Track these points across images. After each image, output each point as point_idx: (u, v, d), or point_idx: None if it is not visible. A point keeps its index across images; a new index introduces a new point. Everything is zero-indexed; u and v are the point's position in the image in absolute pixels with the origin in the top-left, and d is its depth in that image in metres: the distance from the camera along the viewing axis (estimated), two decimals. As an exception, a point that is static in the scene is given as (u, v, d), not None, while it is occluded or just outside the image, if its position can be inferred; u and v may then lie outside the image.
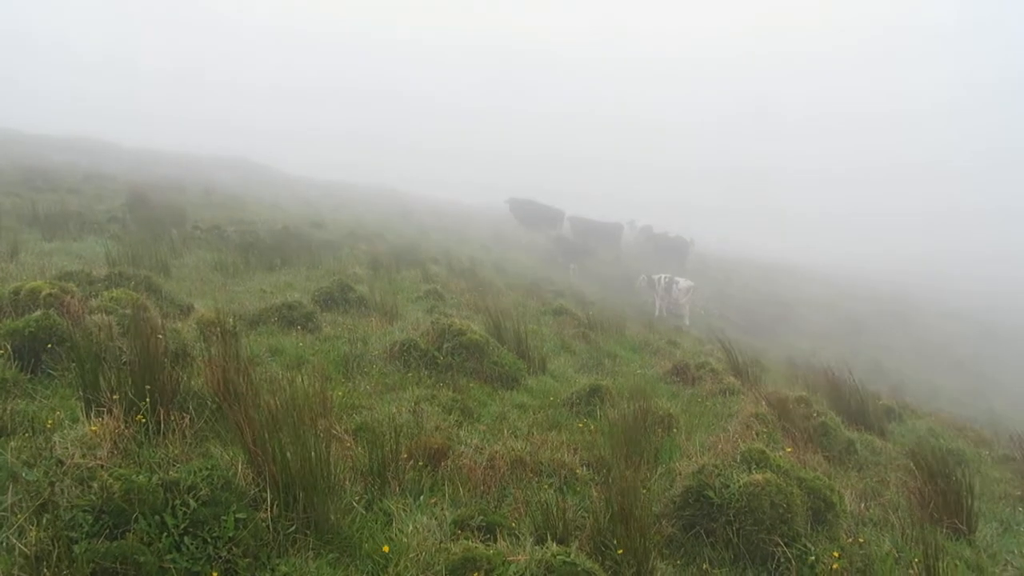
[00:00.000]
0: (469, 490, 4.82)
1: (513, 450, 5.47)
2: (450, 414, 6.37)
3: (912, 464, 6.39)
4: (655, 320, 22.45)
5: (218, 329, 7.04)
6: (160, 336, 6.38)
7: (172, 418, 4.80)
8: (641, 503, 4.39)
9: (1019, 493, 7.26)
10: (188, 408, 5.21)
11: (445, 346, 8.07)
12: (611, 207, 52.42)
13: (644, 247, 38.09)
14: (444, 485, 4.80)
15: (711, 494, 4.78)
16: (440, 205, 49.13)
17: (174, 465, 4.10)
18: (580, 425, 6.48)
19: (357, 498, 4.49)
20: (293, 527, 3.95)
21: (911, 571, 4.65)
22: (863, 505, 5.61)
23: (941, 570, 4.55)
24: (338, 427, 5.30)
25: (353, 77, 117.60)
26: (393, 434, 5.21)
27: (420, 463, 5.04)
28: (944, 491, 5.76)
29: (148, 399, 4.90)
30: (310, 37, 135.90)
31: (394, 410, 6.13)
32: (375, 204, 41.38)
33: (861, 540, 4.89)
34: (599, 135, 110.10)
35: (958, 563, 5.03)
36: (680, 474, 5.10)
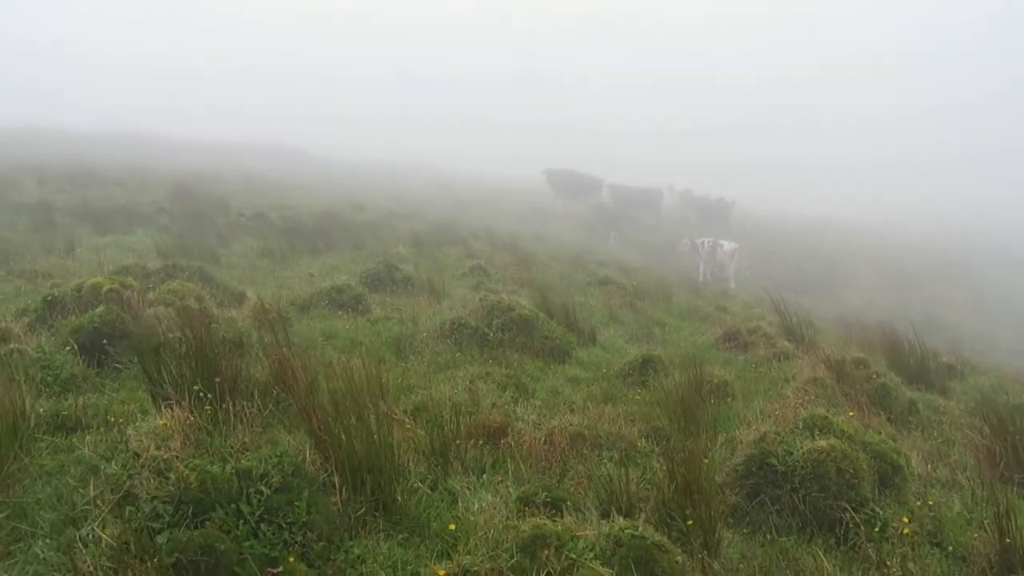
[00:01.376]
0: (531, 466, 4.85)
1: (571, 424, 5.48)
2: (505, 391, 6.40)
3: (979, 422, 6.25)
4: (700, 285, 22.22)
5: (271, 316, 7.17)
6: (217, 326, 6.53)
7: (237, 407, 4.90)
8: (704, 473, 4.38)
9: (1092, 447, 7.04)
10: (252, 396, 5.33)
11: (495, 322, 8.09)
12: (650, 173, 51.81)
13: (685, 211, 37.60)
14: (506, 462, 4.84)
15: (774, 462, 4.73)
16: (477, 179, 49.08)
17: (245, 453, 4.19)
18: (636, 396, 6.46)
19: (422, 479, 4.55)
20: (362, 510, 4.02)
21: (983, 531, 4.56)
22: (930, 467, 5.50)
23: (1014, 528, 4.45)
24: (397, 409, 5.35)
25: (370, 60, 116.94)
26: (452, 413, 5.26)
27: (480, 441, 5.08)
28: (1015, 447, 5.61)
29: (213, 390, 5.02)
30: (318, 21, 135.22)
31: (450, 389, 6.18)
32: (412, 183, 41.54)
33: (931, 503, 4.80)
34: (635, 103, 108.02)
35: (1032, 523, 4.91)
36: (741, 442, 5.06)
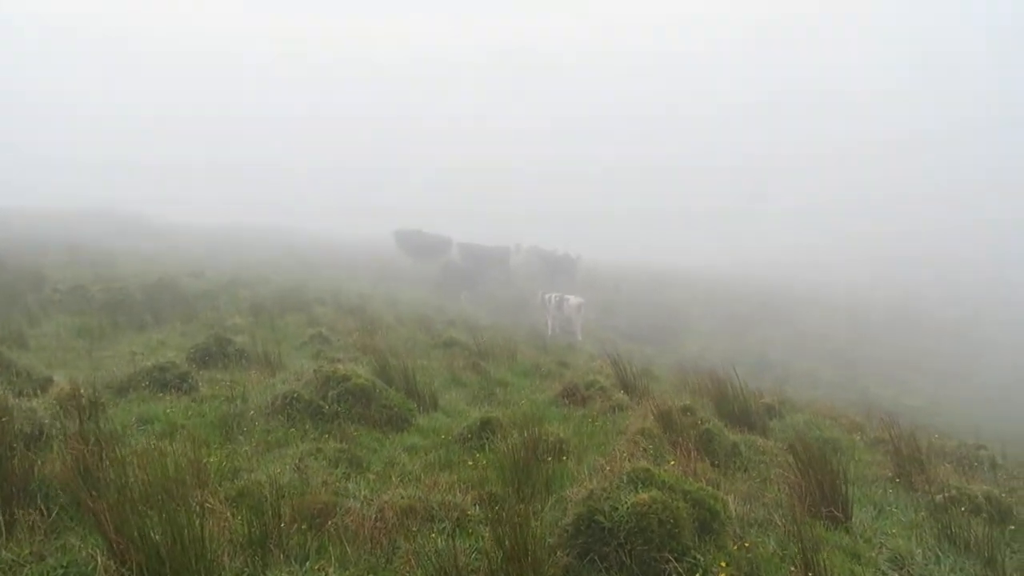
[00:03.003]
0: (357, 548, 4.66)
1: (403, 497, 5.35)
2: (337, 467, 6.18)
3: (792, 459, 6.68)
4: (549, 340, 22.74)
5: (77, 403, 6.59)
6: (8, 420, 5.90)
7: (22, 513, 4.42)
8: (534, 537, 4.38)
9: (890, 474, 7.71)
10: (46, 497, 4.83)
11: (330, 394, 7.85)
12: (497, 225, 53.11)
13: (534, 267, 38.63)
14: (330, 546, 4.63)
15: (601, 518, 4.81)
16: (325, 240, 48.20)
17: (24, 567, 3.76)
18: (470, 462, 6.42)
19: (236, 574, 4.25)
20: (162, 618, 3.70)
21: (794, 567, 4.83)
22: (748, 508, 5.80)
23: (820, 562, 4.74)
24: (213, 498, 5.01)
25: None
26: (274, 497, 4.99)
27: (304, 526, 4.84)
28: (820, 482, 6.04)
29: (-2, 493, 4.51)
30: (152, 65, 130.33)
31: (277, 470, 5.88)
32: (256, 246, 40.15)
33: (747, 544, 5.05)
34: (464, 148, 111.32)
35: (837, 552, 5.27)
36: (571, 501, 5.12)
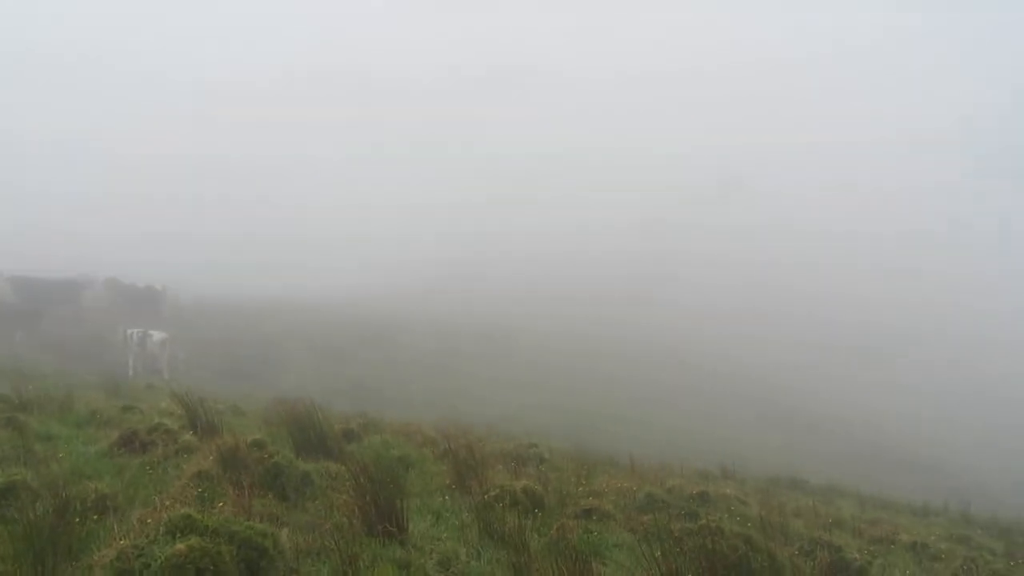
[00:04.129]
0: None
1: None
2: None
3: (355, 482, 6.86)
4: (129, 382, 20.50)
5: None
6: None
7: None
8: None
9: (449, 482, 8.38)
10: None
11: None
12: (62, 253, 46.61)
13: (114, 301, 34.54)
14: None
15: (129, 580, 4.37)
16: None
17: None
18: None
19: None
20: None
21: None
22: (308, 537, 5.77)
23: (372, 577, 4.91)
24: None
25: None
26: None
27: None
28: (378, 500, 6.29)
29: None
30: None
31: None
32: None
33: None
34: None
35: (388, 566, 5.51)
36: (98, 566, 4.56)
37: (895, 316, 64.69)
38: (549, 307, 56.31)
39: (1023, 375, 50.76)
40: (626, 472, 11.44)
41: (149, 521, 5.19)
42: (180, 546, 4.49)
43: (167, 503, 5.64)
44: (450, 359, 36.96)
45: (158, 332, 24.47)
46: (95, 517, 5.65)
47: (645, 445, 21.29)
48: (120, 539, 4.94)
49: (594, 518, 7.60)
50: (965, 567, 9.09)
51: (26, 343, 25.91)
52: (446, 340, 40.75)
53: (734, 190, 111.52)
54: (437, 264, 78.87)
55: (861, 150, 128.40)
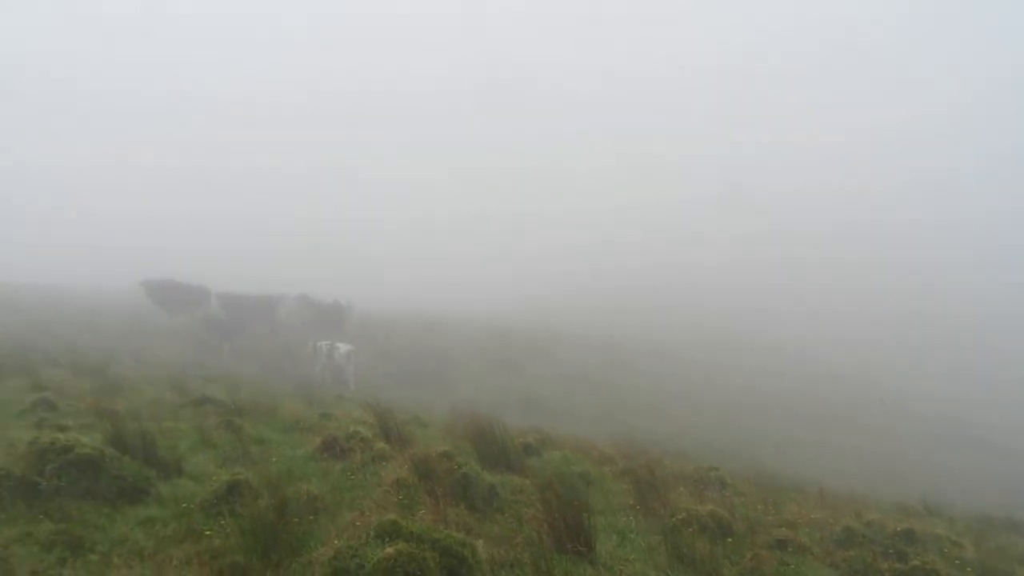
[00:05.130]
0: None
1: (128, 580, 4.83)
2: (51, 551, 5.44)
3: (544, 496, 6.96)
4: (318, 391, 22.03)
5: None
6: None
7: None
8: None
9: (632, 502, 8.29)
10: None
11: (48, 468, 6.92)
12: (261, 272, 51.04)
13: (303, 316, 37.33)
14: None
15: (349, 578, 4.68)
16: (61, 293, 43.11)
17: None
18: (208, 532, 5.96)
19: None
20: None
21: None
22: (500, 549, 5.92)
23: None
24: None
25: None
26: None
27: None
28: (566, 516, 6.34)
29: None
30: None
31: (-30, 564, 5.05)
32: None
33: (498, 586, 5.15)
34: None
35: (579, 585, 5.54)
36: (318, 563, 4.92)
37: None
38: (713, 320, 54.62)
39: None
40: (815, 501, 10.82)
41: (358, 524, 5.54)
42: (389, 550, 4.75)
43: (372, 508, 5.98)
44: (617, 374, 36.69)
45: (344, 345, 26.12)
46: (310, 518, 6.09)
47: (827, 471, 20.06)
48: (335, 539, 5.31)
49: (789, 550, 7.24)
50: None
51: (231, 354, 28.56)
52: (614, 354, 40.49)
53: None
54: (603, 276, 78.95)
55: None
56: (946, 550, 8.26)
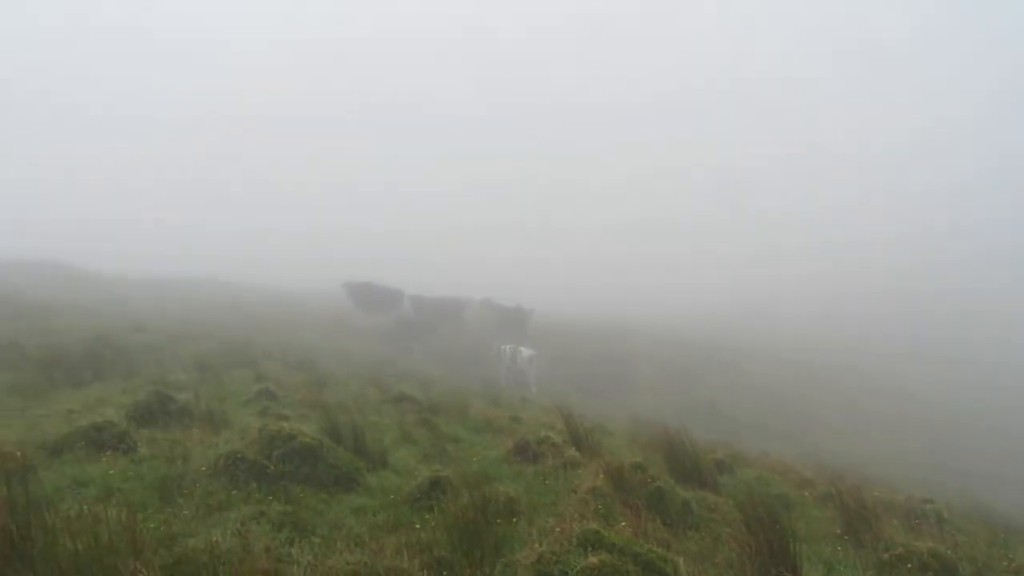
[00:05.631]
0: (299, 618, 4.49)
1: (348, 563, 5.19)
2: (281, 530, 5.98)
3: (743, 516, 6.69)
4: (502, 392, 22.63)
5: (5, 467, 6.28)
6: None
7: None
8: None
9: (839, 531, 7.76)
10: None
11: (275, 454, 7.63)
12: (447, 277, 53.25)
13: (487, 320, 38.59)
14: (271, 617, 4.44)
15: (552, 583, 4.74)
16: (272, 294, 47.47)
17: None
18: (418, 524, 6.28)
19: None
20: None
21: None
22: (698, 568, 5.76)
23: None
24: (147, 567, 4.79)
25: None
26: (213, 565, 4.80)
27: (244, 595, 4.65)
28: (770, 541, 6.04)
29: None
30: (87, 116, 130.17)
31: (217, 535, 5.65)
32: (203, 299, 39.33)
33: (699, 606, 5.01)
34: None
35: (788, 613, 5.26)
36: (521, 565, 5.03)
37: None
38: (902, 329, 50.01)
39: None
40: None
41: (559, 531, 5.60)
42: (593, 559, 4.77)
43: (571, 515, 6.03)
44: (804, 390, 34.62)
45: (527, 349, 26.71)
46: (513, 520, 6.25)
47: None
48: (535, 544, 5.40)
49: (1028, 599, 6.47)
50: None
51: (422, 353, 30.08)
52: (800, 368, 38.27)
53: None
54: (790, 282, 74.97)
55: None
56: None
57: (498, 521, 6.13)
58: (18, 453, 7.12)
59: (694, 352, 39.42)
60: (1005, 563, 7.53)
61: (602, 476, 7.45)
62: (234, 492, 6.94)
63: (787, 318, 59.88)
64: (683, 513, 7.37)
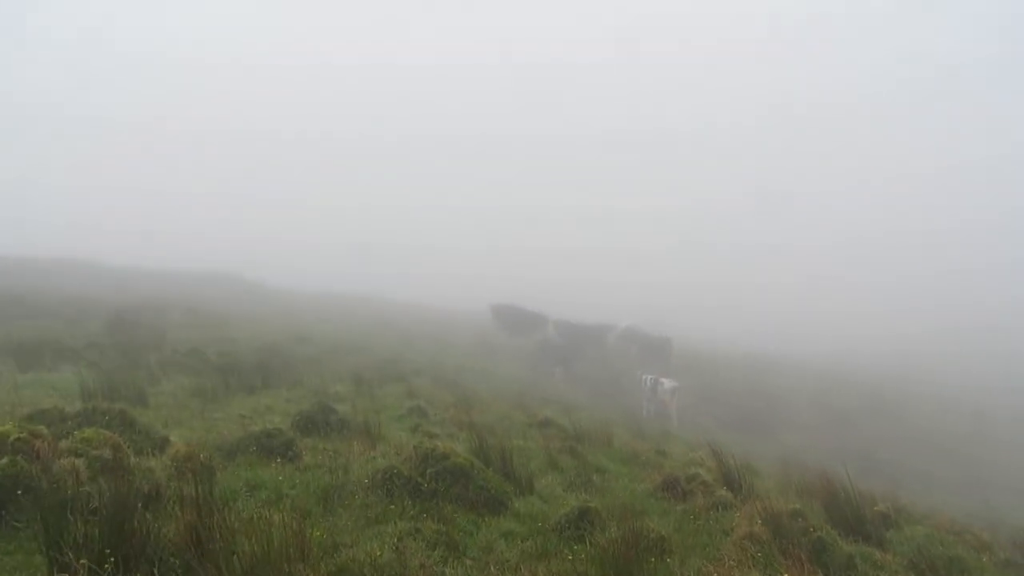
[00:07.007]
0: (455, 640, 4.57)
1: (502, 589, 5.24)
2: (435, 549, 6.13)
3: (916, 579, 6.18)
4: (643, 422, 22.22)
5: (192, 466, 6.85)
6: (132, 478, 6.20)
7: (140, 576, 4.57)
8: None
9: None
10: (162, 561, 5.00)
11: (429, 471, 7.86)
12: (589, 301, 53.15)
13: (628, 347, 38.09)
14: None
15: (709, 631, 4.56)
16: (422, 312, 49.26)
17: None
18: (568, 555, 6.24)
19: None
20: None
21: None
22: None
23: None
24: (314, 574, 5.05)
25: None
26: (374, 578, 4.99)
27: (404, 611, 4.79)
28: (951, 610, 5.54)
29: (119, 554, 4.69)
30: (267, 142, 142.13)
31: (376, 548, 5.88)
32: (358, 314, 41.42)
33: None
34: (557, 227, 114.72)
35: None
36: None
37: None
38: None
39: None
40: None
41: (716, 575, 5.39)
42: (755, 612, 4.53)
43: (730, 561, 5.80)
44: (981, 440, 31.59)
45: (669, 380, 26.08)
46: (667, 560, 6.09)
47: None
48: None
49: None
50: None
51: (564, 378, 30.11)
52: (979, 417, 34.96)
53: None
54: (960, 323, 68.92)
55: None
56: None
57: (651, 560, 5.99)
58: (201, 455, 7.73)
59: (851, 393, 37.04)
60: None
61: (759, 522, 7.11)
62: (390, 506, 7.20)
63: (951, 356, 55.05)
64: (847, 568, 6.89)
